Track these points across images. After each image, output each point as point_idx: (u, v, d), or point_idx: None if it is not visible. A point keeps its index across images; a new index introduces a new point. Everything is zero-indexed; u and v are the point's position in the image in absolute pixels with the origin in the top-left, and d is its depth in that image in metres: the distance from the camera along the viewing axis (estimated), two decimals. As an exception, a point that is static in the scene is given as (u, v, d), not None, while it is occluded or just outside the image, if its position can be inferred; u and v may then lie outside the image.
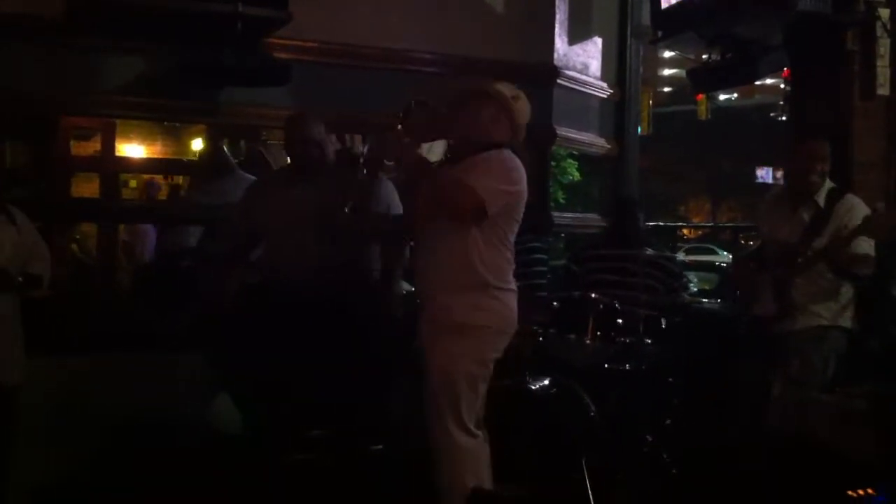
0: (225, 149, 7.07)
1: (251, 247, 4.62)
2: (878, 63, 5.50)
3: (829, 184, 4.60)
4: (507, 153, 3.74)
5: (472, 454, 3.67)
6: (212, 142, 7.47)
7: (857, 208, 4.49)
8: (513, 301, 3.79)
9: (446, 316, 3.67)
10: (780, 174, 20.60)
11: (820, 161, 4.56)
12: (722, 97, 29.89)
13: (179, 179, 9.50)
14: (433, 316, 3.72)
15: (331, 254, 4.28)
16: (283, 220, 4.32)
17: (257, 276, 4.57)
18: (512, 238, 3.77)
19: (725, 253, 14.48)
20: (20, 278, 4.18)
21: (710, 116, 20.02)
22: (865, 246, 4.36)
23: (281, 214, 4.33)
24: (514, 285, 3.81)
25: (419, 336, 3.78)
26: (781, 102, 27.26)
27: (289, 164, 4.64)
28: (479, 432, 3.71)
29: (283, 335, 4.16)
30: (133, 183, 9.90)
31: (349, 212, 3.93)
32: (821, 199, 4.56)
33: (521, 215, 3.78)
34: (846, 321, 4.56)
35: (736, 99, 32.02)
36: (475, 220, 3.59)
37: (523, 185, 3.72)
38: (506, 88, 3.81)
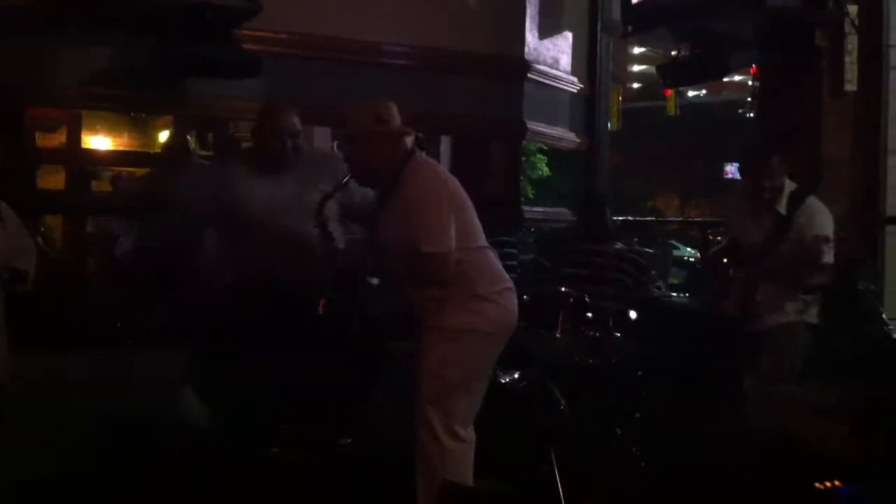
0: (188, 139, 6.98)
1: (197, 237, 4.54)
2: (847, 59, 5.54)
3: (790, 186, 4.59)
4: (421, 165, 3.67)
5: (460, 458, 3.64)
6: (176, 132, 7.36)
7: (816, 214, 4.51)
8: (507, 299, 3.72)
9: (439, 323, 3.62)
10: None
11: (769, 178, 4.54)
12: (691, 94, 30.05)
13: (145, 171, 9.41)
14: (425, 324, 3.67)
15: (309, 246, 4.22)
16: (261, 211, 4.23)
17: (231, 270, 4.48)
18: (479, 229, 3.72)
19: (689, 249, 14.51)
20: (5, 273, 4.10)
21: (678, 112, 20.06)
22: (824, 258, 4.39)
23: (257, 205, 4.24)
24: (508, 283, 3.76)
25: (414, 347, 3.74)
26: (749, 99, 27.47)
27: (257, 155, 4.52)
28: (469, 434, 3.67)
29: (259, 330, 4.10)
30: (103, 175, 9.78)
31: (343, 185, 3.84)
32: (782, 206, 4.56)
33: (469, 201, 3.70)
34: (811, 317, 4.61)
35: (705, 95, 32.18)
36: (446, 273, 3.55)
37: (451, 188, 3.64)
38: (364, 116, 3.68)
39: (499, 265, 3.78)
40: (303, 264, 4.14)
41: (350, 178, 3.83)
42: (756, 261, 4.53)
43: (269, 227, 4.17)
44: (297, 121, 4.32)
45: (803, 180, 4.74)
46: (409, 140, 3.69)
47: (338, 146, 3.80)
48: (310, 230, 4.11)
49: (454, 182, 3.68)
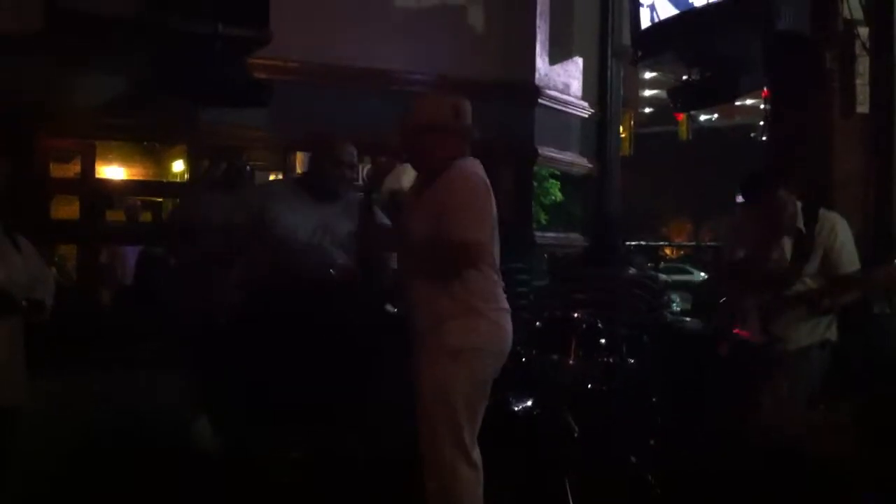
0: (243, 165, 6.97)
1: (231, 257, 4.53)
2: (858, 81, 5.51)
3: (799, 207, 4.53)
4: (468, 166, 3.67)
5: (472, 484, 3.60)
6: (232, 158, 7.36)
7: (837, 226, 4.46)
8: (506, 321, 3.72)
9: (439, 341, 3.60)
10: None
11: (783, 210, 4.47)
12: (702, 118, 30.10)
13: (160, 200, 9.47)
14: (426, 342, 3.65)
15: (348, 274, 4.24)
16: (295, 235, 4.24)
17: (245, 291, 4.47)
18: (496, 255, 3.73)
19: (702, 273, 14.45)
20: (24, 303, 4.18)
21: (690, 137, 20.07)
22: (850, 261, 4.34)
23: (292, 228, 4.25)
24: (505, 304, 3.75)
25: (412, 363, 3.71)
26: (761, 123, 27.46)
27: (306, 181, 4.51)
28: (478, 457, 3.64)
29: (273, 353, 4.10)
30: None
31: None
32: (799, 222, 4.52)
33: (497, 222, 3.71)
34: (832, 334, 4.52)
35: (716, 120, 32.22)
36: (474, 264, 3.55)
37: (491, 196, 3.67)
38: (442, 109, 3.67)
39: (500, 287, 3.77)
40: (332, 290, 4.16)
41: (397, 163, 3.85)
42: (779, 284, 4.44)
43: (296, 249, 4.18)
44: (353, 153, 4.35)
45: (816, 200, 4.69)
46: (468, 141, 3.71)
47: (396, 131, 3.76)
48: (333, 258, 4.16)
49: (489, 192, 3.69)
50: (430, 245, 3.54)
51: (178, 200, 7.16)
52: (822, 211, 4.45)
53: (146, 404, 4.96)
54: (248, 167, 7.03)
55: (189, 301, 4.84)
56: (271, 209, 4.27)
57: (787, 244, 4.46)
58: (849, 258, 4.35)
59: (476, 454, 3.58)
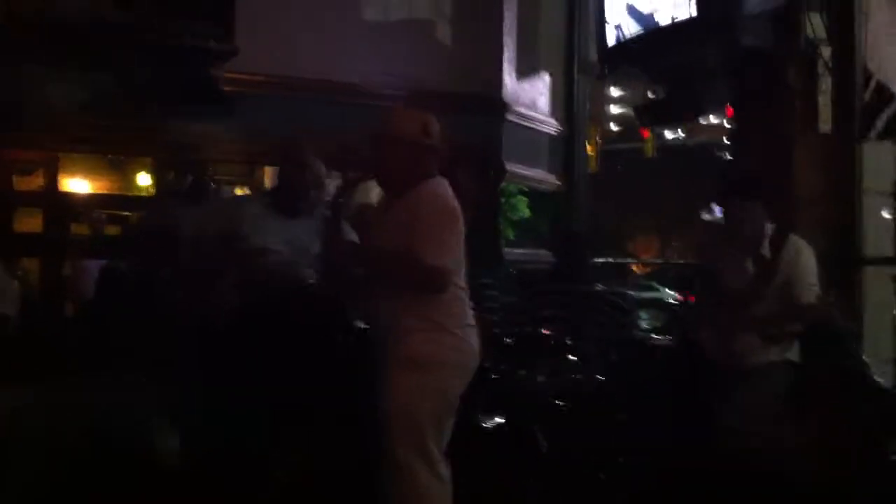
0: (208, 177, 6.90)
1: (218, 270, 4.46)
2: (820, 100, 5.56)
3: (769, 229, 4.54)
4: (437, 186, 3.64)
5: (445, 499, 3.57)
6: (197, 169, 7.30)
7: (801, 254, 4.44)
8: (471, 336, 3.69)
9: (403, 355, 3.57)
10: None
11: (750, 223, 4.48)
12: (669, 136, 30.30)
13: (126, 214, 9.38)
14: (390, 356, 3.61)
15: (304, 289, 4.19)
16: (264, 251, 4.19)
17: (230, 303, 4.41)
18: (462, 272, 3.71)
19: (668, 290, 14.44)
20: None
21: (655, 154, 20.20)
22: (807, 292, 4.36)
23: (261, 244, 4.20)
24: (471, 320, 3.73)
25: (377, 375, 3.67)
26: (727, 141, 27.65)
27: (275, 197, 4.45)
28: (447, 470, 3.61)
29: (247, 370, 4.05)
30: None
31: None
32: (764, 248, 4.48)
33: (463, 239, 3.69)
34: (794, 354, 4.56)
35: (683, 138, 32.51)
36: (442, 288, 3.53)
37: (460, 219, 3.64)
38: (410, 123, 3.60)
39: (467, 303, 3.75)
40: (290, 306, 4.12)
41: (368, 177, 3.81)
42: (739, 305, 4.47)
43: (266, 266, 4.14)
44: (322, 167, 4.30)
45: (780, 219, 4.71)
46: (436, 160, 3.67)
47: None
48: (304, 275, 4.12)
49: (461, 213, 3.66)
50: (395, 265, 3.52)
51: (142, 214, 7.09)
52: (791, 237, 4.44)
53: (113, 414, 4.89)
54: (210, 182, 7.01)
55: (156, 314, 4.79)
56: (240, 225, 4.22)
57: (752, 266, 4.46)
58: (808, 289, 4.35)
59: (443, 468, 3.55)
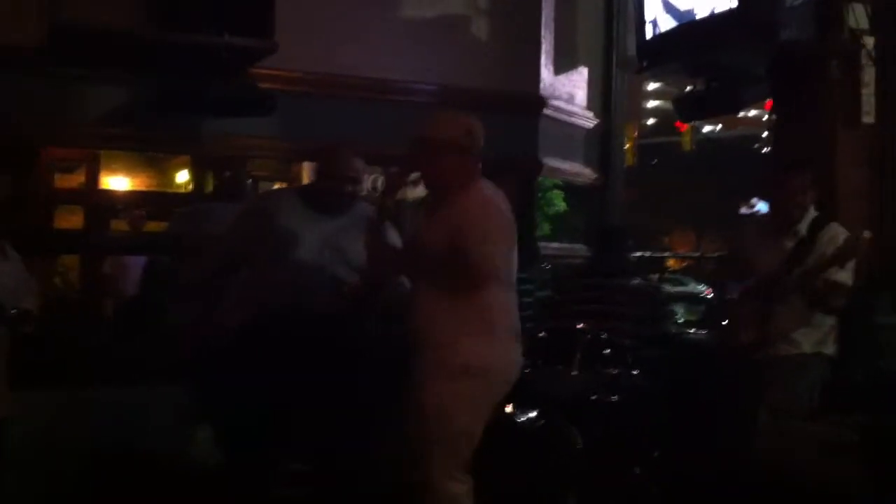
0: (244, 176, 6.91)
1: (229, 272, 4.46)
2: (863, 91, 5.48)
3: (813, 212, 4.55)
4: (485, 188, 3.63)
5: (462, 499, 3.56)
6: (235, 168, 7.34)
7: (839, 237, 4.42)
8: (516, 348, 3.67)
9: (444, 360, 3.54)
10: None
11: (800, 192, 4.50)
12: (705, 129, 30.05)
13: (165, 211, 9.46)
14: (429, 360, 3.58)
15: (336, 289, 4.18)
16: (299, 248, 4.18)
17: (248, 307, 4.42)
18: (511, 278, 3.67)
19: (700, 286, 14.22)
20: (13, 311, 4.13)
21: (694, 148, 20.04)
22: (843, 276, 4.30)
23: (297, 241, 4.19)
24: (517, 330, 3.70)
25: (412, 379, 3.65)
26: (765, 134, 27.41)
27: (311, 193, 4.44)
28: (469, 480, 3.59)
29: (275, 368, 4.06)
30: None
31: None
32: (803, 228, 4.50)
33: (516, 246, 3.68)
34: (828, 348, 4.49)
35: (719, 131, 32.21)
36: (489, 283, 3.51)
37: (510, 216, 3.63)
38: (456, 127, 3.60)
39: (517, 313, 3.72)
40: (322, 305, 4.11)
41: (412, 179, 3.82)
42: (770, 289, 4.43)
43: (300, 263, 4.13)
44: (360, 166, 4.30)
45: (822, 206, 4.66)
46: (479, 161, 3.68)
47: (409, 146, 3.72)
48: (337, 273, 4.11)
49: (509, 216, 3.64)
50: (443, 265, 3.50)
51: (178, 212, 7.15)
52: (833, 224, 4.43)
53: (146, 416, 4.93)
54: (248, 178, 7.05)
55: (193, 314, 4.81)
56: (276, 220, 4.22)
57: (788, 245, 4.43)
58: (842, 270, 4.31)
59: (468, 477, 3.53)
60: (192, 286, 4.78)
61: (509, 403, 4.32)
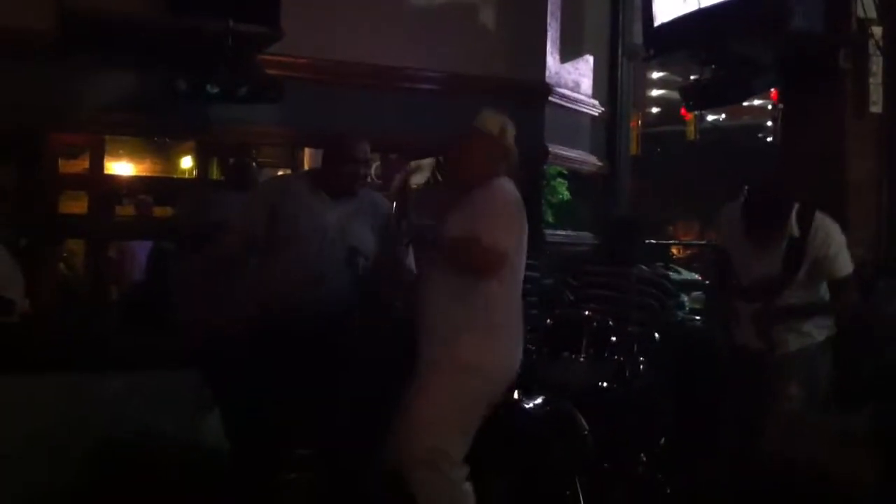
0: (252, 164, 6.89)
1: (252, 250, 4.45)
2: (871, 80, 5.49)
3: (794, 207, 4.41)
4: (505, 183, 3.67)
5: (468, 492, 3.57)
6: (241, 156, 7.32)
7: (831, 236, 4.32)
8: (520, 342, 3.71)
9: (449, 354, 3.56)
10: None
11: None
12: (710, 118, 30.00)
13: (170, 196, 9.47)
14: (434, 353, 3.60)
15: (345, 274, 4.19)
16: (308, 232, 4.18)
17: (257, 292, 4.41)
18: (520, 274, 3.70)
19: (693, 274, 14.09)
20: None
21: (698, 137, 20.00)
22: (844, 268, 4.25)
23: (305, 225, 4.19)
24: (520, 329, 3.72)
25: (414, 371, 3.67)
26: (769, 124, 27.33)
27: (324, 178, 4.44)
28: (464, 474, 3.60)
29: (283, 355, 4.07)
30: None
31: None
32: (794, 229, 4.37)
33: (525, 243, 3.71)
34: (832, 329, 4.43)
35: (724, 120, 32.14)
36: (497, 271, 3.53)
37: (524, 214, 3.67)
38: (493, 123, 3.73)
39: (520, 310, 3.75)
40: (331, 290, 4.13)
41: (440, 176, 3.87)
42: (770, 294, 4.35)
43: (310, 247, 4.13)
44: (367, 151, 4.32)
45: (827, 204, 4.57)
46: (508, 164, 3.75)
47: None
48: (346, 258, 4.13)
49: (522, 210, 3.68)
50: (460, 240, 3.52)
51: (185, 198, 7.14)
52: (817, 215, 4.31)
53: (152, 403, 4.94)
54: (254, 164, 7.04)
55: (202, 300, 4.81)
56: (287, 204, 4.21)
57: (781, 249, 4.32)
58: (843, 264, 4.27)
59: (463, 472, 3.54)
60: (203, 273, 4.79)
61: (515, 390, 4.33)
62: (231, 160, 6.66)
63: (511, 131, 3.75)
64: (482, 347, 3.55)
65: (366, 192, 4.38)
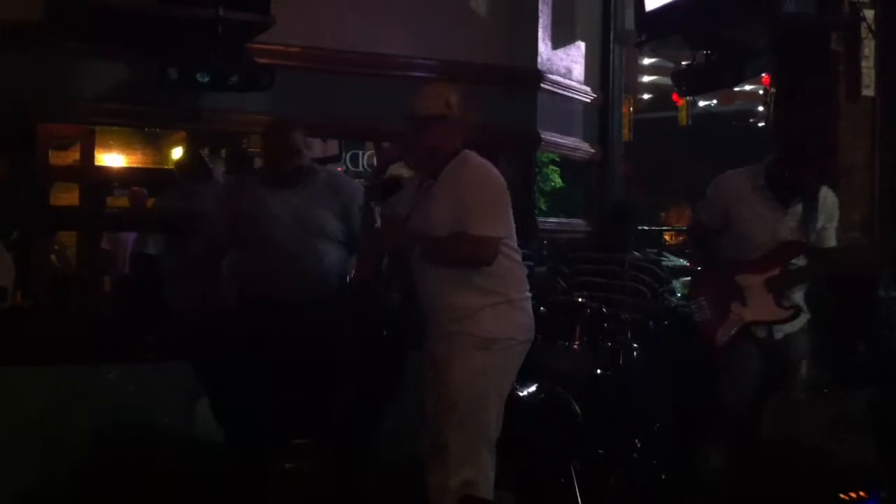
0: (204, 154, 6.95)
1: (223, 252, 4.49)
2: (863, 64, 5.49)
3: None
4: (471, 158, 3.60)
5: (492, 472, 3.56)
6: (192, 148, 7.37)
7: (836, 206, 4.38)
8: (530, 309, 3.70)
9: (469, 332, 3.53)
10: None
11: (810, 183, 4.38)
12: (701, 103, 30.01)
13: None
14: (452, 335, 3.57)
15: (317, 262, 4.21)
16: (268, 228, 4.21)
17: (238, 285, 4.44)
18: (514, 239, 3.67)
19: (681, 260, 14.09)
20: None
21: (690, 122, 20.00)
22: (834, 238, 4.31)
23: (264, 221, 4.22)
24: (528, 292, 3.71)
25: (430, 355, 3.64)
26: (760, 108, 27.36)
27: (266, 170, 4.52)
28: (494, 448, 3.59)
29: (268, 346, 4.07)
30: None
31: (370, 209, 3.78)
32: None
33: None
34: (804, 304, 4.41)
35: (715, 105, 32.15)
36: (494, 257, 3.49)
37: (503, 182, 3.62)
38: (435, 102, 3.56)
39: (525, 274, 3.73)
40: (306, 279, 4.14)
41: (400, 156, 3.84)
42: (794, 256, 4.31)
43: (274, 241, 4.15)
44: (301, 138, 4.29)
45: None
46: (467, 130, 3.65)
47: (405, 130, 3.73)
48: (314, 246, 4.16)
49: (504, 181, 3.63)
50: (448, 240, 3.49)
51: (166, 192, 7.13)
52: (823, 190, 4.35)
53: (144, 394, 4.93)
54: (246, 154, 7.05)
55: (183, 299, 4.83)
56: (245, 205, 4.25)
57: (795, 222, 4.30)
58: (833, 236, 4.35)
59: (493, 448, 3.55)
60: (188, 266, 4.81)
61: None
62: (180, 152, 6.66)
63: (455, 98, 3.59)
64: (501, 320, 3.53)
65: (325, 174, 4.39)
